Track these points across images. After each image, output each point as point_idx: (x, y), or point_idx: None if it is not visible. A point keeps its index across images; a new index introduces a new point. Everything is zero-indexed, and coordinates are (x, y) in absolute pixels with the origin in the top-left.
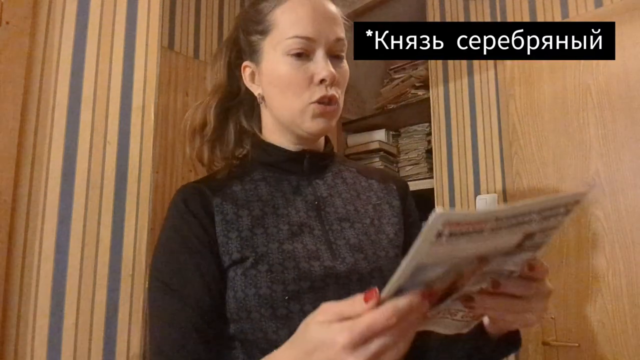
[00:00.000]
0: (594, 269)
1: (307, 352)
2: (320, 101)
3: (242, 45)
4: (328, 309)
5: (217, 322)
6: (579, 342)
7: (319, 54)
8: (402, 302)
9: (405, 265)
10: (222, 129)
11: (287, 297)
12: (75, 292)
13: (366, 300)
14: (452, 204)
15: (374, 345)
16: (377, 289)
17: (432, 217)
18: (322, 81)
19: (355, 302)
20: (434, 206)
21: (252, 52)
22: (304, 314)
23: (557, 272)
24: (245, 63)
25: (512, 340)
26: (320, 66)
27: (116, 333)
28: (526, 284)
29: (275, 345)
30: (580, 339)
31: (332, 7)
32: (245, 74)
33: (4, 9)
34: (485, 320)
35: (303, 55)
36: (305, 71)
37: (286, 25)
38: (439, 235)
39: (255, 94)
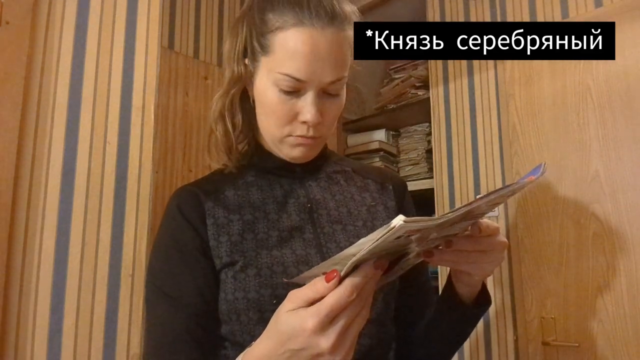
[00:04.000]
0: (594, 269)
1: (281, 342)
2: (299, 136)
3: (245, 42)
4: (294, 297)
5: (210, 324)
6: (579, 342)
7: (309, 94)
8: (358, 278)
9: (363, 253)
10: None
11: (275, 302)
12: (75, 292)
13: (327, 280)
14: (452, 204)
15: (341, 322)
16: (337, 270)
17: (394, 226)
18: (305, 121)
19: (318, 284)
20: (434, 206)
21: (251, 58)
22: None
23: (557, 272)
24: (245, 61)
25: (483, 299)
26: (307, 109)
27: (116, 333)
28: (477, 240)
29: None
30: (580, 339)
31: (336, 41)
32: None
33: (4, 9)
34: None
35: (292, 91)
36: (291, 107)
37: (281, 58)
38: (399, 237)
39: (251, 95)
